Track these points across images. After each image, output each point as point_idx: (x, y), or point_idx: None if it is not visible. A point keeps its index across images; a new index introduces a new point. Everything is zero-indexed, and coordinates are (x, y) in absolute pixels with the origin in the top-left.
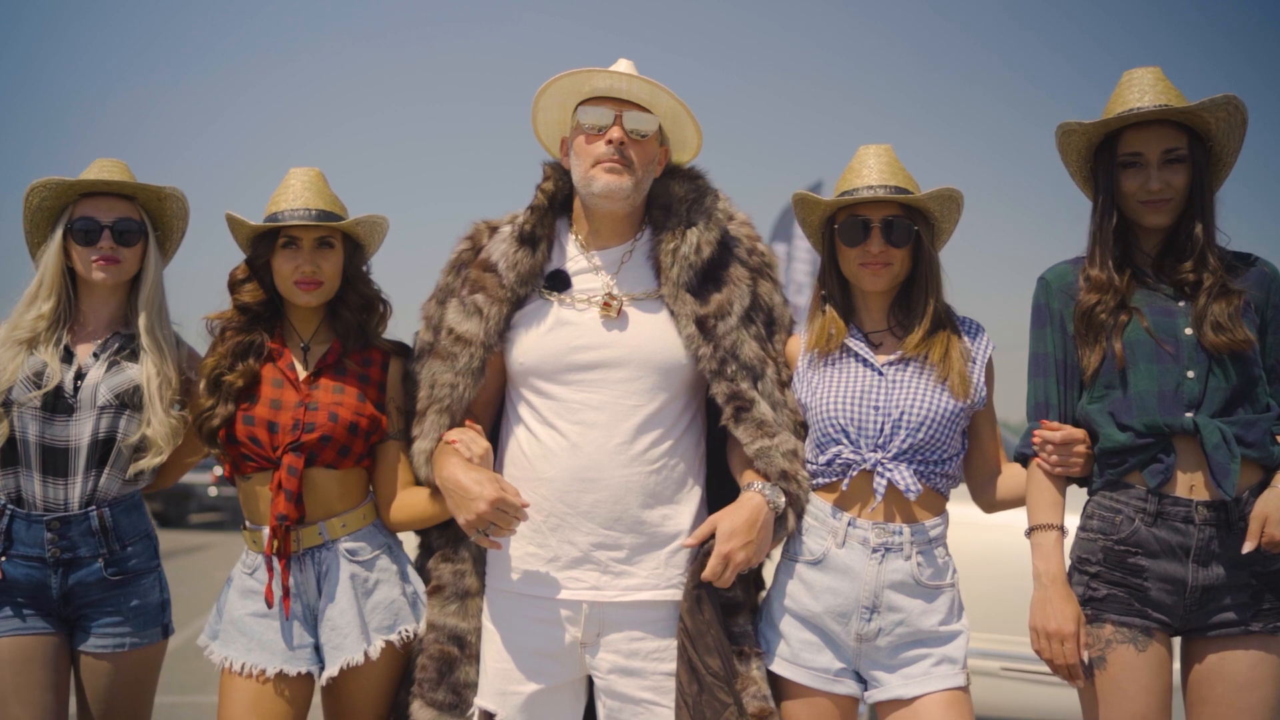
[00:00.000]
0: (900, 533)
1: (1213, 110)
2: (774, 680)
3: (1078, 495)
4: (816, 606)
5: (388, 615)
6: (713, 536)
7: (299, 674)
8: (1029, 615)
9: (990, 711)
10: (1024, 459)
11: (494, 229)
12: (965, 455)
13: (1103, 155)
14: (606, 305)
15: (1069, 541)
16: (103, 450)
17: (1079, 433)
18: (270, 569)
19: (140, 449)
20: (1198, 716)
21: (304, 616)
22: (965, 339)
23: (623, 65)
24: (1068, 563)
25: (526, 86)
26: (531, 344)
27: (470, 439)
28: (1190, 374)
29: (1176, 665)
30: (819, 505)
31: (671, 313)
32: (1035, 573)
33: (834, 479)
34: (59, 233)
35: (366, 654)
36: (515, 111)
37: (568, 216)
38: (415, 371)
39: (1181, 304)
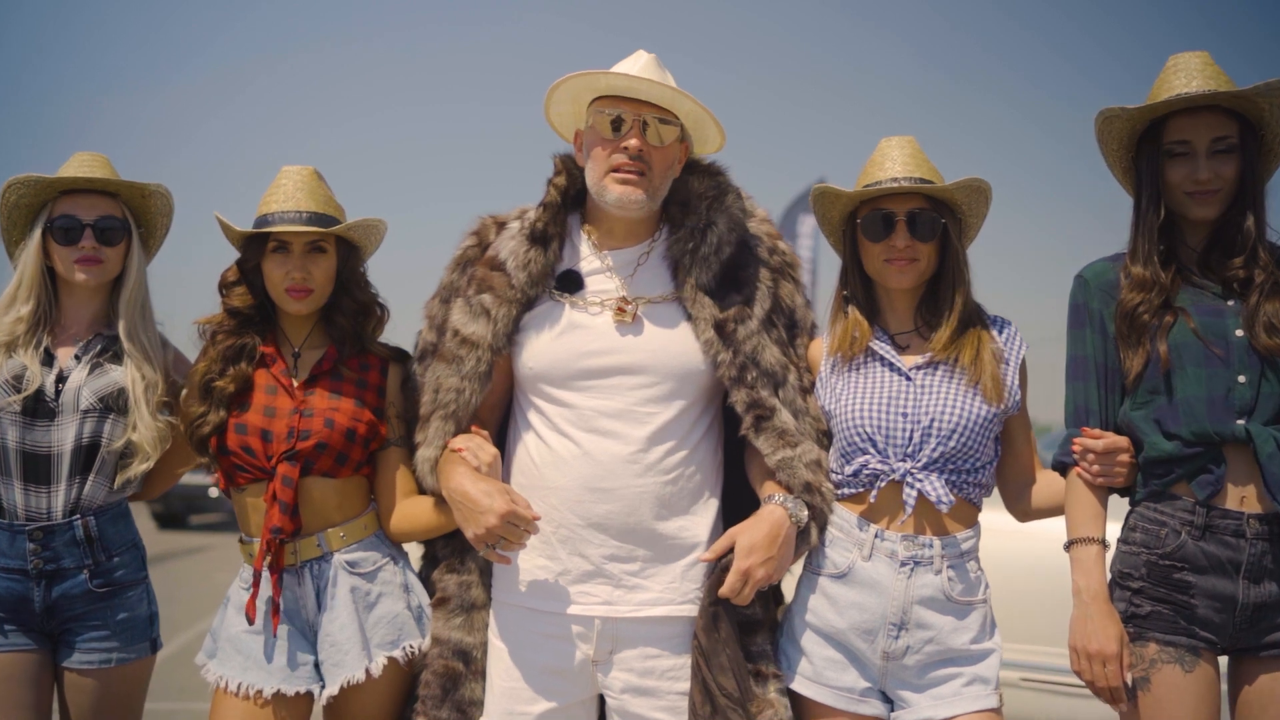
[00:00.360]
0: (930, 546)
1: (1268, 96)
2: (795, 699)
3: (1117, 505)
4: (841, 622)
5: (391, 630)
6: (731, 551)
7: (297, 694)
8: (1068, 634)
9: None
10: (1062, 467)
11: (501, 224)
12: (998, 462)
13: (1146, 144)
14: (621, 309)
15: (1108, 555)
16: (86, 456)
17: (1123, 441)
18: (257, 583)
19: (126, 455)
20: None
21: (304, 632)
22: (997, 339)
23: (642, 59)
24: (1107, 577)
25: (527, 86)
26: (542, 348)
27: (477, 446)
28: (1241, 379)
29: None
30: (844, 516)
31: (689, 316)
32: (1075, 589)
33: (860, 489)
34: (38, 231)
35: (368, 671)
36: (516, 111)
37: (580, 212)
38: (418, 374)
39: (1230, 303)
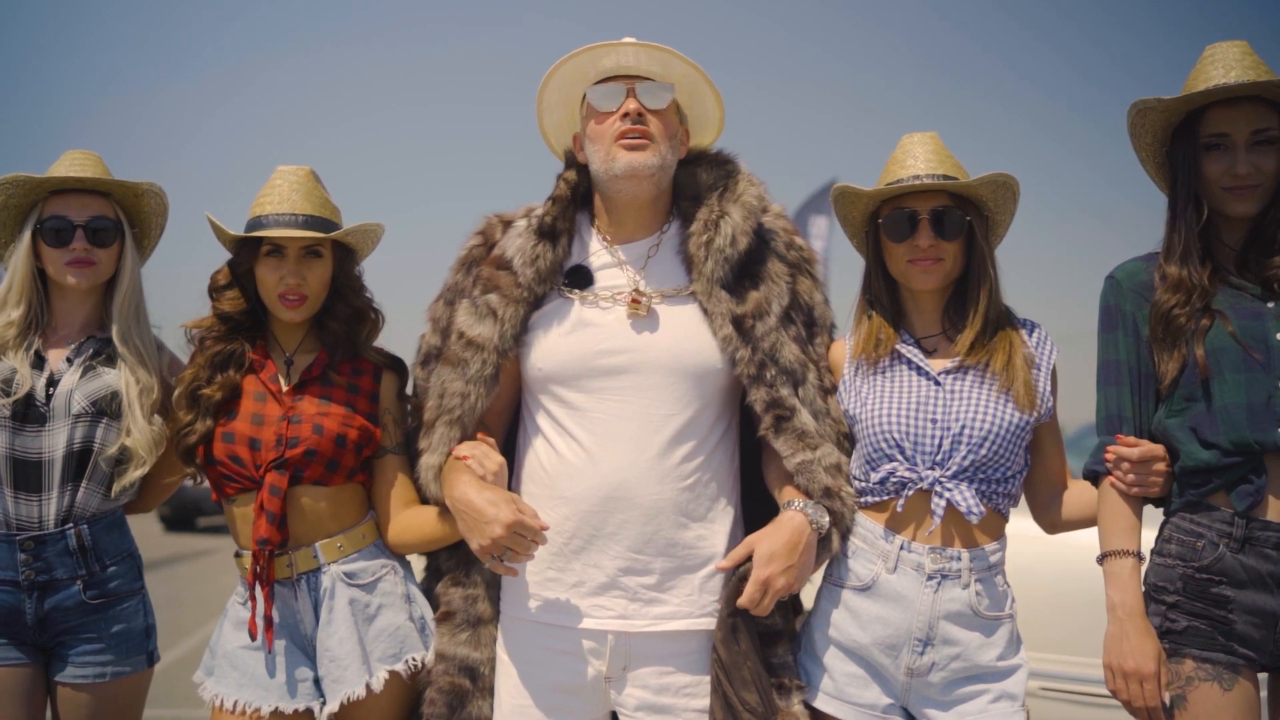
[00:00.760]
0: (958, 558)
1: None
2: (816, 716)
3: (1151, 514)
4: (864, 637)
5: (392, 643)
6: (749, 560)
7: (296, 711)
8: (1103, 651)
9: None
10: (1095, 476)
11: (507, 223)
12: (1026, 471)
13: (1181, 138)
14: (634, 303)
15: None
16: (79, 462)
17: (1158, 449)
18: (253, 598)
19: (121, 461)
20: None
21: (303, 647)
22: (1028, 342)
23: (628, 41)
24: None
25: (527, 87)
26: (551, 347)
27: (483, 454)
28: None
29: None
30: (868, 526)
31: (705, 311)
32: (1110, 605)
33: (886, 498)
34: (28, 233)
35: (369, 686)
36: (515, 112)
37: (589, 210)
38: (421, 379)
39: (1271, 305)
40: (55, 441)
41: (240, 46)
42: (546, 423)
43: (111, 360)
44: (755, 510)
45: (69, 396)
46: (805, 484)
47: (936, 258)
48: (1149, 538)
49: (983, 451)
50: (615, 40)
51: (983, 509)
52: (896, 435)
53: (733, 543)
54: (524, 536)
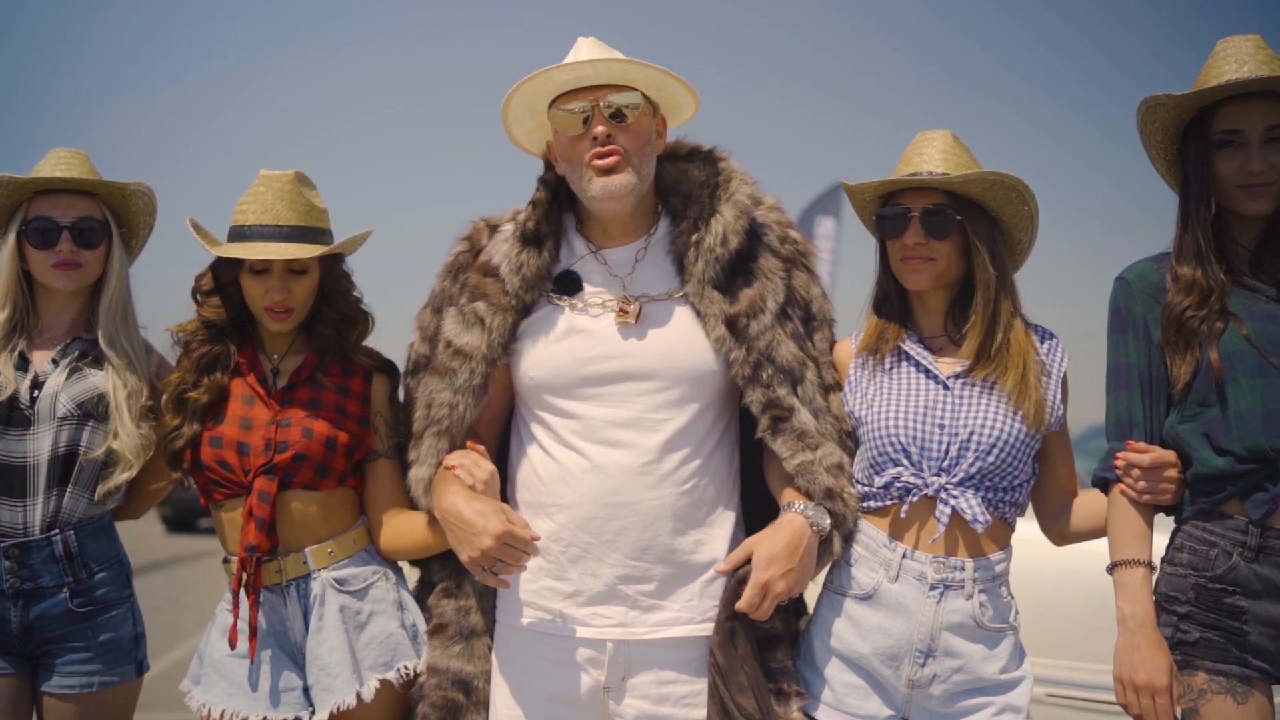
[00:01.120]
0: (962, 568)
1: None
2: None
3: (1162, 521)
4: (864, 647)
5: (384, 651)
6: (748, 562)
7: None
8: (1114, 664)
9: None
10: (1104, 484)
11: (494, 228)
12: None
13: (1193, 135)
14: (623, 309)
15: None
16: (64, 466)
17: (1170, 455)
18: (237, 604)
19: (108, 464)
20: None
21: (292, 655)
22: (1039, 350)
23: (584, 48)
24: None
25: None
26: (542, 356)
27: (472, 463)
28: None
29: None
30: (870, 533)
31: (697, 313)
32: (1120, 615)
33: (889, 503)
34: (12, 235)
35: (359, 695)
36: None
37: (574, 210)
38: (410, 388)
39: None
40: (40, 445)
41: (240, 47)
42: (541, 431)
43: (98, 361)
44: (756, 511)
45: (54, 399)
46: (806, 485)
47: (927, 257)
48: (1160, 545)
49: (991, 458)
50: (571, 58)
51: (988, 517)
52: (903, 439)
53: (733, 546)
54: (514, 548)
